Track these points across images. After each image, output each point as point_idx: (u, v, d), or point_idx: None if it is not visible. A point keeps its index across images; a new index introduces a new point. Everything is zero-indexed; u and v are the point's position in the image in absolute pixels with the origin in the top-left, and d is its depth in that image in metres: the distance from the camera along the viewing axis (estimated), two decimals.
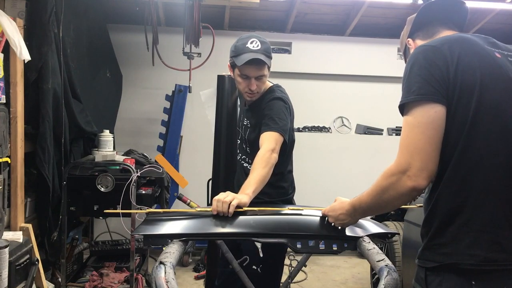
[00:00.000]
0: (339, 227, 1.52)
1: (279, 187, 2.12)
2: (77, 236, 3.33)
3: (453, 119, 1.17)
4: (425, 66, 1.20)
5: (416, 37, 1.46)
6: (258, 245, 1.56)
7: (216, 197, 1.61)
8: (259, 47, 2.00)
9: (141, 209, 2.88)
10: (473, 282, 1.14)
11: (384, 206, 1.31)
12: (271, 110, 2.00)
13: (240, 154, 2.28)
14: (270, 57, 2.03)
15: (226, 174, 2.45)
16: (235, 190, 1.80)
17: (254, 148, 2.10)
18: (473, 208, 1.17)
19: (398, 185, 1.19)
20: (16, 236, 2.38)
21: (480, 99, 1.16)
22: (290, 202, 2.19)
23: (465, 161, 1.17)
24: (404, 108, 1.23)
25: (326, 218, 1.54)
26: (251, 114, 2.16)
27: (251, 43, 2.01)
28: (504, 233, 1.16)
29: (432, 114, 1.17)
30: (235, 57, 2.01)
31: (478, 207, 1.17)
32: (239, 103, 2.45)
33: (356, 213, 1.42)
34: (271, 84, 2.18)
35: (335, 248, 1.54)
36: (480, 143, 1.17)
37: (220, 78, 2.45)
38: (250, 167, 2.14)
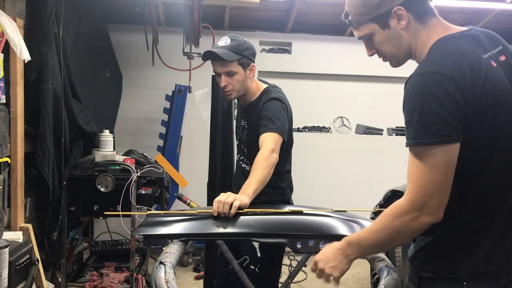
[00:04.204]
0: (329, 273, 1.33)
1: (277, 187, 2.12)
2: (77, 236, 3.32)
3: (467, 148, 1.12)
4: (441, 100, 1.08)
5: (410, 10, 1.22)
6: (256, 245, 1.56)
7: (217, 198, 1.61)
8: (227, 43, 2.01)
9: (141, 209, 2.88)
10: (464, 283, 1.17)
11: (389, 244, 1.24)
12: (268, 111, 2.00)
13: (239, 155, 2.28)
14: (241, 54, 2.01)
15: (223, 175, 2.45)
16: (233, 190, 1.80)
17: (251, 149, 2.10)
18: (469, 226, 1.19)
19: (413, 223, 1.13)
20: (16, 236, 2.38)
21: (492, 124, 1.14)
22: (288, 202, 2.19)
23: (473, 183, 1.17)
24: (416, 148, 1.13)
25: (317, 267, 1.35)
26: (248, 115, 2.16)
27: (221, 40, 2.04)
28: (496, 247, 1.18)
29: (452, 153, 1.11)
30: None
31: (474, 225, 1.19)
32: (236, 103, 2.45)
33: (352, 250, 1.27)
34: (267, 85, 2.18)
35: None
36: (487, 169, 1.16)
37: (215, 78, 2.45)
38: (248, 168, 2.14)
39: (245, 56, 2.02)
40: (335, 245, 1.31)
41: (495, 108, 1.13)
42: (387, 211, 1.18)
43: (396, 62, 1.32)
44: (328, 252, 1.32)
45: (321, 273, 1.34)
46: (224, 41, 2.03)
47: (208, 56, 2.01)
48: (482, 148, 1.14)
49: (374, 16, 1.24)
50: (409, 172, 1.14)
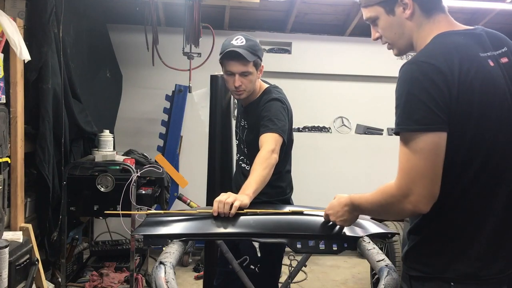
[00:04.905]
0: (340, 225, 1.50)
1: (277, 187, 2.12)
2: (77, 236, 3.33)
3: (451, 142, 1.13)
4: (426, 88, 1.10)
5: (416, 0, 1.23)
6: (256, 245, 1.56)
7: (217, 198, 1.61)
8: (243, 43, 2.00)
9: (141, 209, 2.88)
10: (452, 284, 1.17)
11: (382, 217, 1.34)
12: (269, 111, 2.00)
13: (238, 155, 2.29)
14: (256, 55, 2.02)
15: (222, 175, 2.45)
16: (233, 190, 1.80)
17: (251, 149, 2.10)
18: (459, 226, 1.18)
19: (398, 207, 1.17)
20: (16, 236, 2.38)
21: (478, 121, 1.13)
22: (288, 202, 2.19)
23: (459, 181, 1.16)
24: (401, 135, 1.16)
25: (329, 218, 1.51)
26: (249, 115, 2.16)
27: (236, 40, 2.02)
28: (487, 250, 1.18)
29: (436, 140, 1.11)
30: (220, 55, 2.03)
31: (464, 225, 1.18)
32: (236, 103, 2.45)
33: (354, 209, 1.40)
34: (268, 85, 2.18)
35: (335, 248, 1.54)
36: (476, 165, 1.15)
37: (213, 78, 2.44)
38: (248, 167, 2.14)
39: (258, 57, 2.04)
40: (342, 200, 1.43)
41: (482, 106, 1.13)
42: (381, 187, 1.24)
43: (398, 50, 1.35)
44: (336, 207, 1.45)
45: (333, 222, 1.51)
46: (239, 40, 2.01)
47: (230, 55, 1.99)
48: (466, 145, 1.13)
49: (382, 0, 1.27)
50: (398, 158, 1.17)
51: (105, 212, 1.96)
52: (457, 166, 1.15)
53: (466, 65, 1.13)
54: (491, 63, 1.18)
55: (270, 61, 4.70)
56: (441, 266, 1.18)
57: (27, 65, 2.57)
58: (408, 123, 1.12)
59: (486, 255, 1.17)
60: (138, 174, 2.94)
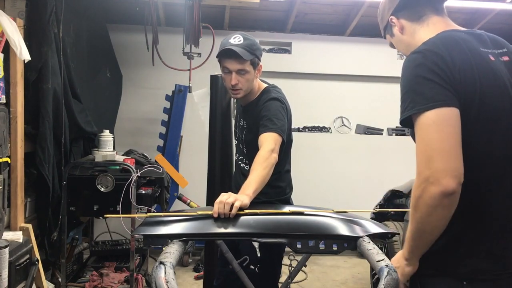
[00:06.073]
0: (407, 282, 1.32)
1: (277, 187, 2.12)
2: (77, 236, 3.33)
3: None
4: (433, 69, 1.12)
5: (402, 16, 1.35)
6: (256, 245, 1.56)
7: (218, 200, 1.61)
8: (240, 42, 2.00)
9: (141, 209, 2.89)
10: (464, 283, 1.16)
11: (422, 225, 1.13)
12: (268, 111, 2.00)
13: (238, 155, 2.28)
14: (254, 54, 2.01)
15: (222, 175, 2.46)
16: (233, 190, 1.80)
17: (251, 148, 2.10)
18: (468, 218, 1.18)
19: (426, 195, 1.08)
20: (16, 236, 2.38)
21: (479, 110, 1.13)
22: (288, 201, 2.19)
23: (465, 175, 1.12)
24: (415, 117, 1.12)
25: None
26: (248, 115, 2.16)
27: (234, 38, 2.02)
28: (498, 244, 1.17)
29: (448, 113, 1.09)
30: (218, 53, 2.03)
31: (473, 217, 1.18)
32: (235, 103, 2.45)
33: (405, 248, 1.25)
34: (267, 85, 2.18)
35: (335, 248, 1.54)
36: (479, 154, 1.15)
37: (214, 78, 2.44)
38: (247, 167, 2.14)
39: (256, 56, 2.03)
40: (399, 253, 1.30)
41: (483, 96, 1.14)
42: None
43: None
44: (395, 260, 1.31)
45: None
46: (237, 39, 2.01)
47: (226, 53, 1.99)
48: (466, 135, 1.13)
49: (383, 28, 1.46)
50: (415, 148, 1.13)
51: (106, 215, 1.95)
52: (463, 149, 1.12)
53: (467, 56, 1.16)
54: (492, 58, 1.21)
55: (270, 61, 4.71)
56: (452, 263, 1.18)
57: (27, 65, 2.57)
58: (421, 102, 1.11)
59: (497, 250, 1.17)
60: (138, 174, 2.94)
